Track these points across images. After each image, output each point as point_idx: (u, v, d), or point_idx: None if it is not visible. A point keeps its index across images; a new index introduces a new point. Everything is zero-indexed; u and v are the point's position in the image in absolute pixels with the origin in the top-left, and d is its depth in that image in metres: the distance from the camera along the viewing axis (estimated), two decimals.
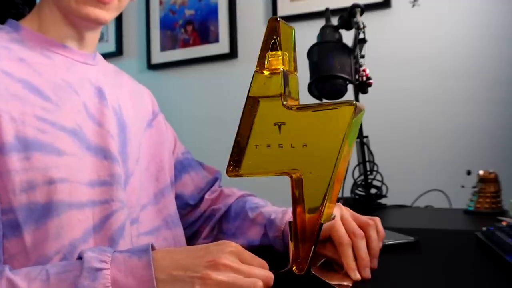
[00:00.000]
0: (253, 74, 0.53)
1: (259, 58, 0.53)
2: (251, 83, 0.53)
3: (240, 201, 0.83)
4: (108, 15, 0.66)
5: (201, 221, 0.85)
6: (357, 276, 0.58)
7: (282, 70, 0.52)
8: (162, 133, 0.81)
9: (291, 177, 0.53)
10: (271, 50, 0.53)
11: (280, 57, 0.52)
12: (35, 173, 0.55)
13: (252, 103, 0.53)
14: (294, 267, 0.54)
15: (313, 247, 0.53)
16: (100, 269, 0.46)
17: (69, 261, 0.50)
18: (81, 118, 0.63)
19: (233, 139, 0.53)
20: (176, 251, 0.50)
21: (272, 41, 0.53)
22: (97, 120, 0.66)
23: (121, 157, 0.67)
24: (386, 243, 0.72)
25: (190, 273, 0.47)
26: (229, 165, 0.54)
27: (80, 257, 0.49)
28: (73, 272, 0.47)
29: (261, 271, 0.49)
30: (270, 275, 0.49)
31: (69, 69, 0.66)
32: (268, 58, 0.53)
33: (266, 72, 0.53)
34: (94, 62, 0.71)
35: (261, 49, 0.53)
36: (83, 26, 0.67)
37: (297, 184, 0.53)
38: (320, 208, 0.52)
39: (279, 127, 0.52)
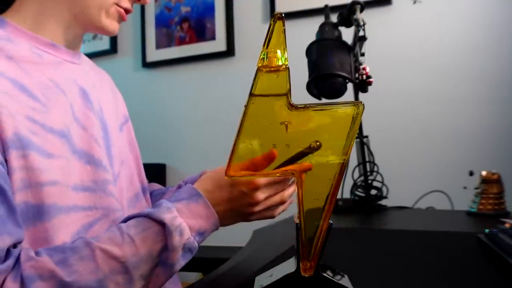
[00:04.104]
0: (256, 71, 0.50)
1: (262, 55, 0.51)
2: (253, 81, 0.50)
3: (163, 189, 0.90)
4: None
5: None
6: None
7: (287, 67, 0.49)
8: (131, 140, 0.81)
9: (298, 177, 0.51)
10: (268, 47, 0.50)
11: (282, 54, 0.50)
12: (29, 172, 0.54)
13: (255, 102, 0.50)
14: (301, 269, 0.53)
15: (322, 247, 0.52)
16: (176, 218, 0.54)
17: (137, 220, 0.55)
18: (68, 120, 0.62)
19: (230, 138, 0.50)
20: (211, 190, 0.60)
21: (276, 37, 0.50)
22: (82, 123, 0.64)
23: (107, 160, 0.66)
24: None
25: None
26: (229, 166, 0.51)
27: (125, 220, 0.56)
28: (152, 228, 0.53)
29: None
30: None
31: (56, 68, 0.64)
32: (267, 55, 0.50)
33: (265, 69, 0.50)
34: (79, 61, 0.71)
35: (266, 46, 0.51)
36: (88, 33, 0.69)
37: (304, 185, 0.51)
38: (328, 208, 0.51)
39: (286, 126, 0.50)
